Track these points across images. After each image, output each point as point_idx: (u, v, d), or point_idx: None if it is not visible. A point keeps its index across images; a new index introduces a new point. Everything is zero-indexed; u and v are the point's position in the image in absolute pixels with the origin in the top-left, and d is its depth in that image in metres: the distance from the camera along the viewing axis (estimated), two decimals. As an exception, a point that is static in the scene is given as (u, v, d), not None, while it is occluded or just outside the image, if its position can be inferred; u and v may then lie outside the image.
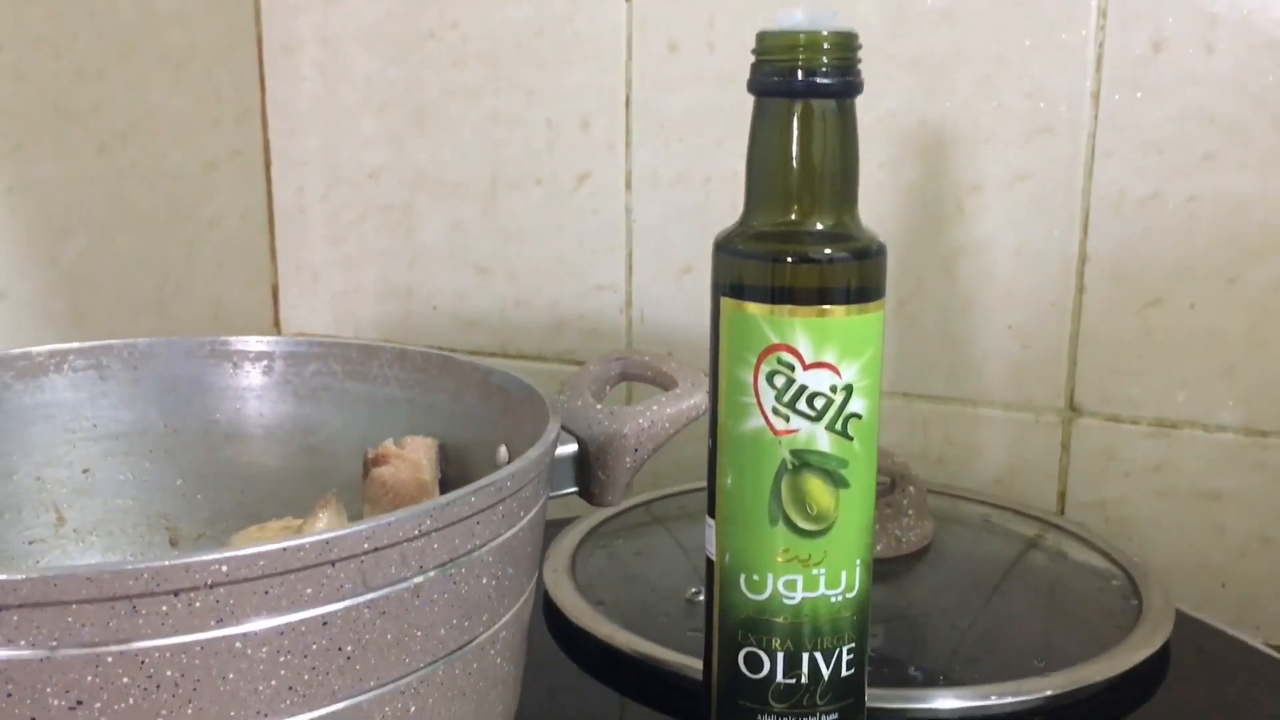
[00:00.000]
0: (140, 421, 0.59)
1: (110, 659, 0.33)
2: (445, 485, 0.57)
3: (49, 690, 0.33)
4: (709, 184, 0.82)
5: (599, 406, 0.52)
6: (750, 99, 0.40)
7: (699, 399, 0.51)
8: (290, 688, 0.36)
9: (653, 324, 0.86)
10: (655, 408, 0.50)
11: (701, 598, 0.59)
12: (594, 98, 0.84)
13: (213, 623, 0.34)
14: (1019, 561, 0.65)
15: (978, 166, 0.75)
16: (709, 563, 0.42)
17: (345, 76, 0.90)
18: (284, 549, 0.35)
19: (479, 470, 0.57)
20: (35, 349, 0.57)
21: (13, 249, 0.71)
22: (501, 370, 0.56)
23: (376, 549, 0.37)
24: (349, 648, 0.37)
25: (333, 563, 0.36)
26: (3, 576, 0.32)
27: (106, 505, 0.60)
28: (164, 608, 0.34)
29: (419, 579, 0.38)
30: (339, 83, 0.90)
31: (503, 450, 0.55)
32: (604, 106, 0.84)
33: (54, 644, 0.33)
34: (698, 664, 0.52)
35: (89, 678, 0.33)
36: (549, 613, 0.60)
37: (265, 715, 0.36)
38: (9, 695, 0.33)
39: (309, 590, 0.36)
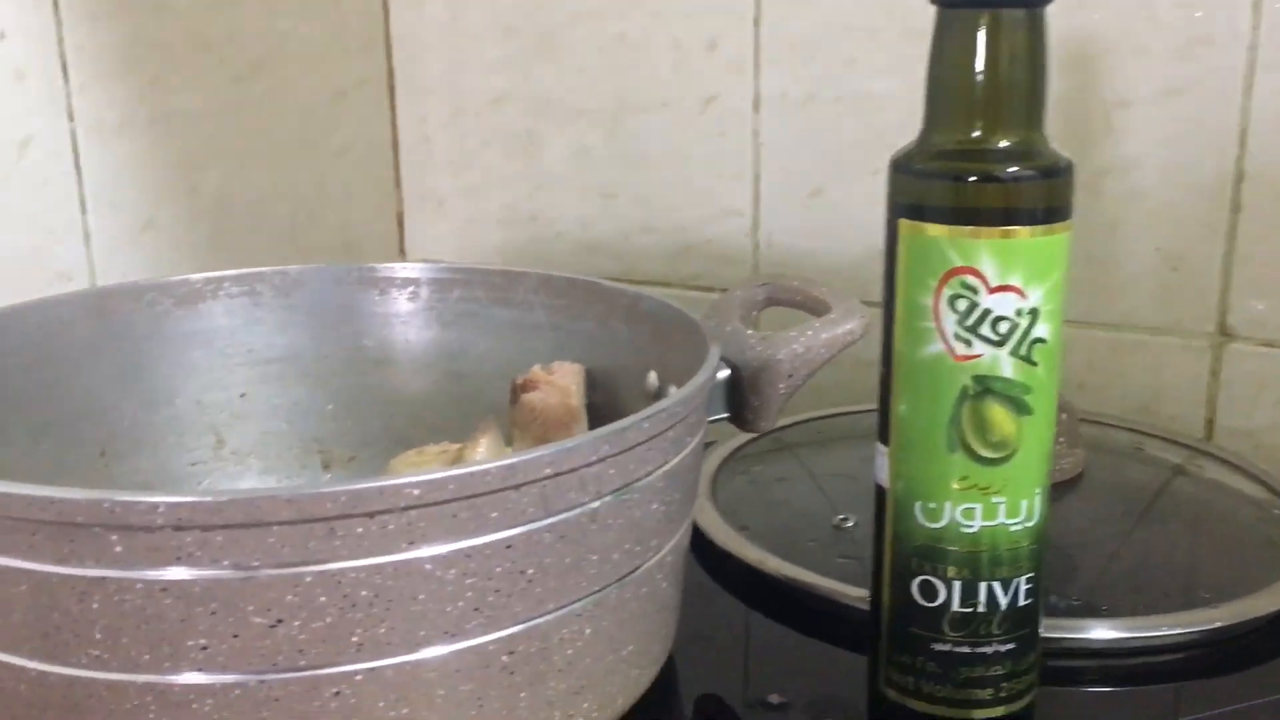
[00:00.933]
0: (292, 347, 0.60)
1: (309, 579, 0.34)
2: (592, 411, 0.57)
3: (251, 608, 0.34)
4: (839, 104, 0.80)
5: (750, 332, 0.51)
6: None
7: (854, 325, 0.50)
8: (476, 609, 0.37)
9: (780, 248, 0.84)
10: (810, 333, 0.50)
11: (849, 524, 0.58)
12: (721, 18, 0.82)
13: (404, 544, 0.35)
14: (1173, 489, 0.63)
15: (1128, 80, 0.72)
16: (879, 490, 0.42)
17: (469, 2, 0.89)
18: (471, 473, 0.35)
19: (625, 396, 0.57)
20: (193, 276, 0.58)
21: (157, 178, 0.73)
22: (650, 296, 0.55)
23: (558, 474, 0.37)
24: (530, 571, 0.37)
25: (517, 487, 0.36)
26: (208, 499, 0.33)
27: (262, 429, 0.61)
28: (359, 529, 0.34)
29: (596, 504, 0.38)
30: (463, 9, 0.89)
31: (652, 376, 0.55)
32: (732, 27, 0.82)
33: (255, 564, 0.34)
34: (850, 590, 0.52)
35: (289, 597, 0.34)
36: (694, 538, 0.60)
37: (452, 635, 0.36)
38: (213, 613, 0.34)
39: (494, 514, 0.36)
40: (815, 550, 0.56)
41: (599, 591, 0.40)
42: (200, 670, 0.35)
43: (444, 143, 0.93)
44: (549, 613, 0.38)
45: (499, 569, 0.37)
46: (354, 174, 0.89)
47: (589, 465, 0.38)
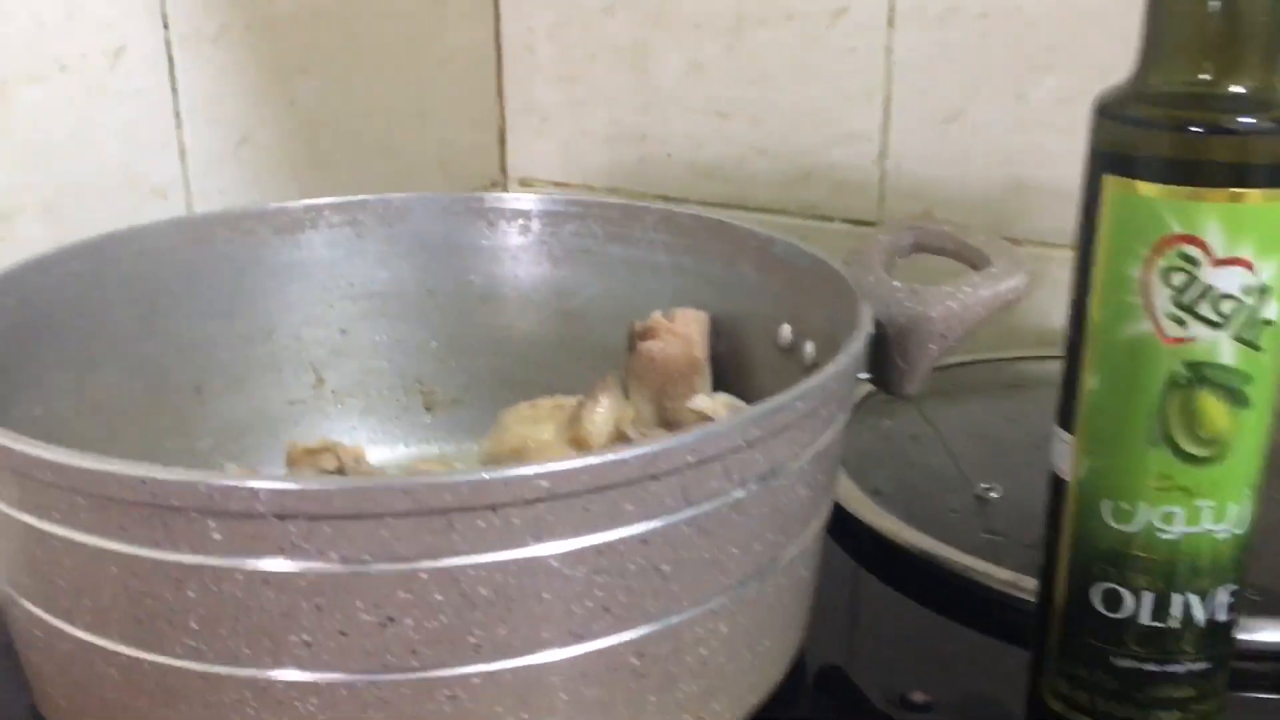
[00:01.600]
0: (395, 281, 0.57)
1: (424, 575, 0.31)
2: (715, 363, 0.53)
3: (359, 604, 0.31)
4: (985, 20, 0.73)
5: (897, 285, 0.46)
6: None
7: (1017, 282, 0.44)
8: (605, 609, 0.33)
9: (909, 178, 0.78)
10: (968, 289, 0.44)
11: (994, 495, 0.53)
12: (858, -79, 0.75)
13: (529, 539, 0.31)
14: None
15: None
16: (1056, 481, 0.37)
17: (581, -100, 0.83)
18: (606, 463, 0.31)
19: (753, 348, 0.52)
20: (291, 204, 0.54)
21: (254, 90, 0.69)
22: (785, 239, 0.50)
23: (701, 461, 0.33)
24: (665, 566, 0.33)
25: (655, 477, 0.32)
26: (314, 486, 0.29)
27: (364, 367, 0.58)
28: (480, 523, 0.30)
29: (740, 493, 0.34)
30: (574, -93, 0.83)
31: (785, 329, 0.50)
32: (869, -69, 0.74)
33: (366, 558, 0.30)
34: (1000, 573, 0.47)
35: (401, 593, 0.31)
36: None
37: (579, 636, 0.33)
38: (318, 609, 0.31)
39: (630, 506, 0.32)
40: (957, 523, 0.52)
41: (738, 586, 0.36)
42: (302, 667, 0.31)
43: (549, 53, 0.88)
44: (683, 610, 0.34)
45: (632, 565, 0.33)
46: (455, 86, 0.84)
47: (735, 451, 0.33)
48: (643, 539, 0.32)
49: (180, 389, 0.53)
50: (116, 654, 0.33)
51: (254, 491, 0.29)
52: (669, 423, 0.52)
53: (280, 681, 0.32)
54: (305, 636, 0.31)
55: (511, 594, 0.31)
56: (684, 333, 0.52)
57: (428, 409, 0.59)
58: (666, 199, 0.86)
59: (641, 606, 0.33)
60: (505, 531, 0.31)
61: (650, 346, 0.52)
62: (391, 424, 0.58)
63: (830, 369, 0.36)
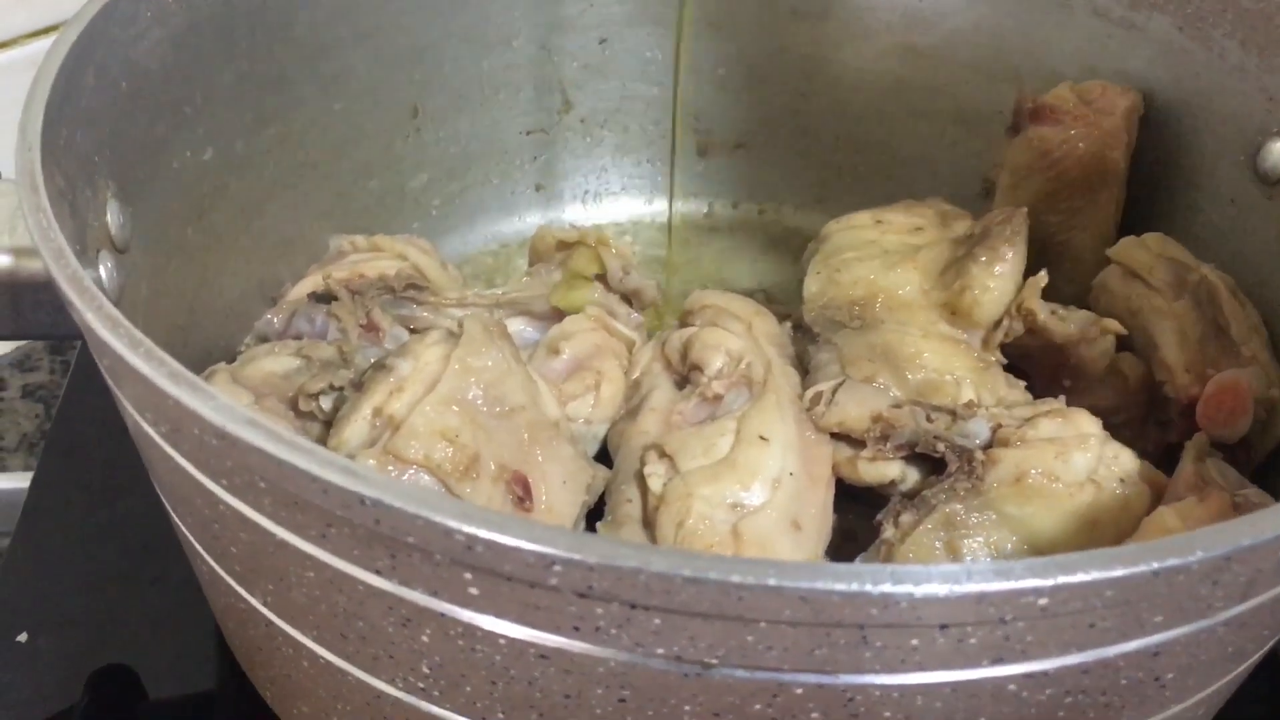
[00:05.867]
0: (681, -21, 0.40)
1: (799, 690, 0.18)
2: (1138, 177, 0.36)
3: (687, 709, 0.19)
4: None
5: None
6: None
7: None
8: (1058, 729, 0.20)
9: None
10: None
11: None
12: None
13: (985, 662, 0.18)
14: None
15: None
16: None
17: None
18: (1156, 572, 0.17)
19: (1210, 166, 0.35)
20: None
21: None
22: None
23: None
24: (1170, 675, 0.20)
25: (1217, 582, 0.18)
26: (646, 568, 0.17)
27: (624, 91, 0.43)
28: (914, 642, 0.18)
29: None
30: None
31: (1276, 148, 0.33)
32: None
33: (713, 661, 0.18)
34: None
35: (758, 705, 0.19)
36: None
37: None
38: (621, 700, 0.19)
39: (1158, 618, 0.19)
40: None
41: (1240, 669, 0.23)
42: (587, 752, 0.20)
43: None
44: (1163, 712, 0.22)
45: (1125, 681, 0.20)
46: None
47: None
48: (1156, 651, 0.19)
49: (393, 111, 0.39)
50: (310, 649, 0.22)
51: (543, 557, 0.17)
52: (1042, 245, 0.37)
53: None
54: (595, 724, 0.20)
55: (932, 718, 0.19)
56: (1105, 122, 0.35)
57: (701, 153, 0.44)
58: None
59: (1113, 719, 0.21)
60: (952, 653, 0.18)
61: (1046, 134, 0.36)
62: (652, 167, 0.45)
63: None
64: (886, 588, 0.17)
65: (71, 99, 0.26)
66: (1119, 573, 0.17)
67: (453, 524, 0.17)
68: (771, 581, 0.17)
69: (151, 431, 0.21)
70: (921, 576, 0.17)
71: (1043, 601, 0.17)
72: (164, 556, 0.31)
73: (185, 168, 0.32)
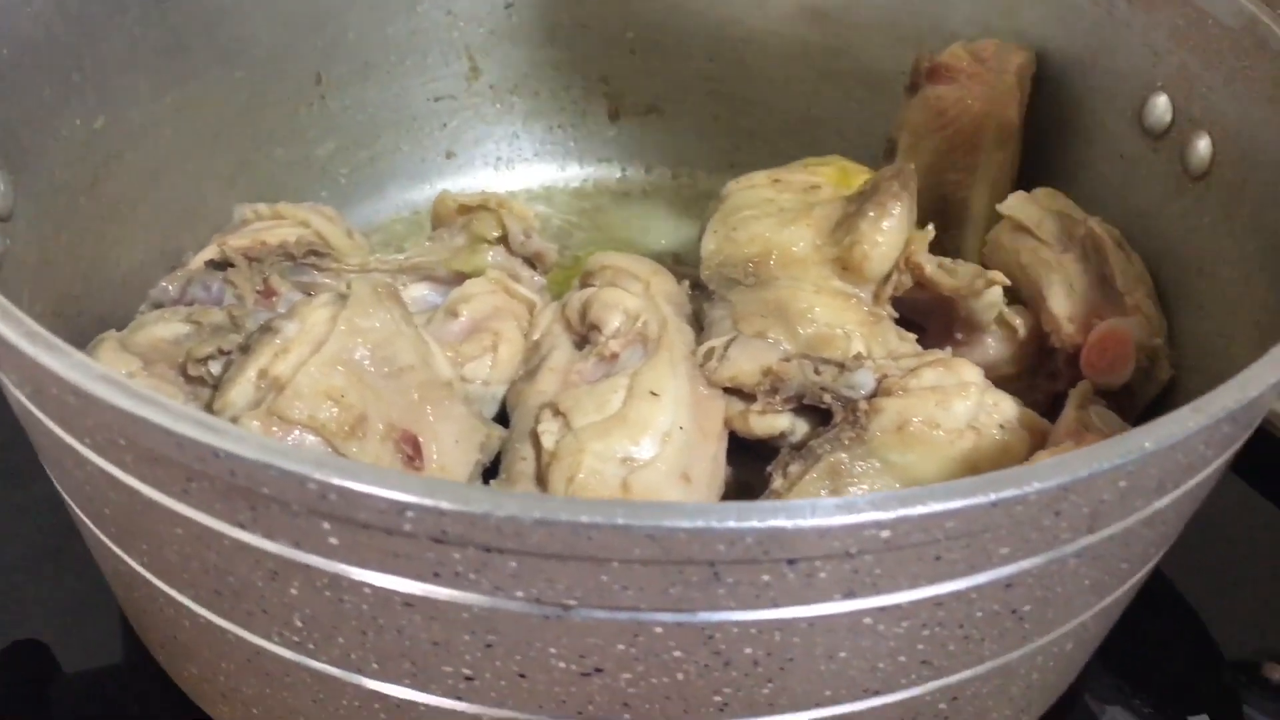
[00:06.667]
0: (585, -56, 0.41)
1: (659, 629, 0.19)
2: (1031, 134, 0.37)
3: (554, 651, 0.19)
4: None
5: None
6: None
7: None
8: (925, 662, 0.21)
9: None
10: None
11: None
12: None
13: (837, 595, 0.19)
14: None
15: None
16: None
17: None
18: (994, 503, 0.18)
19: (1100, 121, 0.36)
20: None
21: None
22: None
23: (1133, 484, 0.19)
24: (1027, 607, 0.21)
25: (1059, 512, 0.19)
26: (500, 513, 0.17)
27: (533, 58, 0.43)
28: (765, 578, 0.18)
29: (1161, 502, 0.21)
30: None
31: (1160, 102, 0.34)
32: None
33: (571, 603, 0.18)
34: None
35: (620, 646, 0.19)
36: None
37: (875, 692, 0.21)
38: (488, 645, 0.19)
39: (1005, 549, 0.19)
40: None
41: (1105, 603, 0.24)
42: (460, 699, 0.21)
43: None
44: (1029, 643, 0.23)
45: (980, 613, 0.21)
46: None
47: (1180, 465, 0.20)
48: (1008, 582, 0.20)
49: (295, 81, 0.39)
50: (189, 609, 0.22)
51: (399, 505, 0.17)
52: (942, 202, 0.37)
53: (423, 705, 0.21)
54: (465, 671, 0.20)
55: (792, 654, 0.20)
56: (997, 80, 0.36)
57: (612, 117, 0.45)
58: None
59: (975, 653, 0.22)
60: (803, 587, 0.18)
61: (942, 93, 0.37)
62: (563, 133, 0.45)
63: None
64: (731, 524, 0.17)
65: (-54, 65, 0.26)
66: (957, 504, 0.18)
67: (304, 471, 0.17)
68: (620, 520, 0.17)
69: (19, 394, 0.21)
70: (766, 513, 0.17)
71: (885, 534, 0.18)
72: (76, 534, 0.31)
73: (75, 136, 0.32)
